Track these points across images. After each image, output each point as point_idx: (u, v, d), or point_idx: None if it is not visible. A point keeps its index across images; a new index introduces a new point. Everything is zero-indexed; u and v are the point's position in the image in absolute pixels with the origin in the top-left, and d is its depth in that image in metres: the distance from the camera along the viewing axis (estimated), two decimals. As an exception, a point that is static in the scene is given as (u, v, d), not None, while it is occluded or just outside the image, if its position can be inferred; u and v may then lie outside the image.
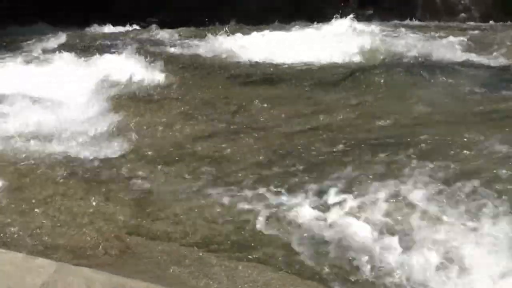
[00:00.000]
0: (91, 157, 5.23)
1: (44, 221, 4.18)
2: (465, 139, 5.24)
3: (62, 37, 11.61)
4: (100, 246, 3.91)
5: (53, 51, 9.73)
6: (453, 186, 4.32)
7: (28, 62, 8.96)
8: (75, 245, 3.91)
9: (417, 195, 4.23)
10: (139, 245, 3.94)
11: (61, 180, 4.79)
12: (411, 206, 4.12)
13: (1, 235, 4.04)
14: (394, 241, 3.75)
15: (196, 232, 4.03)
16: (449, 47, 9.21)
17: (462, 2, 13.80)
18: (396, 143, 5.30)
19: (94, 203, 4.45)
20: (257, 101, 6.76)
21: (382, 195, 4.28)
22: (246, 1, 13.86)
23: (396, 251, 3.67)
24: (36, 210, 4.34)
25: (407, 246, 3.70)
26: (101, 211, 4.34)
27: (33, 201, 4.46)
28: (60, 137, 5.70)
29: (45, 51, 9.88)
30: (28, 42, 10.78)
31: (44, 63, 8.80)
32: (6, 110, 6.37)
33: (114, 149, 5.43)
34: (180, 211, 4.29)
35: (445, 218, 3.95)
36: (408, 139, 5.35)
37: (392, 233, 3.85)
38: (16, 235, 4.02)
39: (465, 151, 4.98)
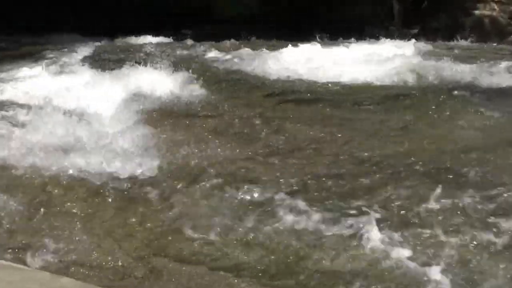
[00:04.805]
0: (118, 174, 5.23)
1: (68, 239, 4.20)
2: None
3: (91, 48, 11.77)
4: (125, 267, 3.91)
5: (82, 61, 9.87)
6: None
7: (56, 72, 9.08)
8: (100, 265, 3.92)
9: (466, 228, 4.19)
10: (165, 267, 3.93)
11: (87, 197, 4.82)
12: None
13: (25, 252, 4.06)
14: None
15: (227, 256, 4.01)
16: (497, 71, 9.10)
17: (513, 23, 13.70)
18: (441, 169, 5.26)
19: (120, 222, 4.47)
20: (295, 121, 6.76)
21: (424, 225, 4.26)
22: (287, 16, 13.95)
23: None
24: (61, 227, 4.36)
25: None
26: (127, 230, 4.36)
27: (57, 217, 4.48)
28: (87, 151, 5.72)
29: (74, 61, 10.01)
30: (58, 52, 10.93)
31: (72, 74, 8.91)
32: (33, 121, 6.42)
33: (143, 166, 5.43)
34: (210, 234, 4.27)
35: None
36: (453, 166, 5.31)
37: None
38: (40, 253, 4.05)
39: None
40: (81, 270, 3.86)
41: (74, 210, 4.59)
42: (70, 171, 5.16)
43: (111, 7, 14.81)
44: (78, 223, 4.41)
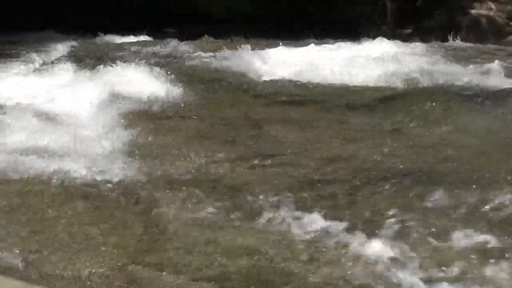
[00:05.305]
0: (97, 178, 5.19)
1: (44, 247, 4.15)
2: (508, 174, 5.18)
3: (70, 46, 11.71)
4: (103, 277, 3.87)
5: (60, 60, 9.81)
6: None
7: (32, 72, 9.04)
8: (76, 274, 3.87)
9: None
10: (146, 277, 3.87)
11: (64, 203, 4.78)
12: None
13: None
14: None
15: (210, 265, 3.96)
16: (494, 73, 9.12)
17: (511, 23, 13.71)
18: (432, 174, 5.26)
19: (98, 229, 4.42)
20: (281, 123, 6.76)
21: (419, 230, 4.26)
22: (274, 15, 13.98)
23: None
24: (37, 234, 4.31)
25: None
26: (105, 238, 4.30)
27: (33, 224, 4.44)
28: (65, 154, 5.69)
29: (51, 60, 9.96)
30: (34, 50, 10.86)
31: (49, 73, 8.87)
32: (8, 123, 6.38)
33: (123, 171, 5.40)
34: (193, 242, 4.22)
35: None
36: (446, 170, 5.32)
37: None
38: (14, 261, 3.99)
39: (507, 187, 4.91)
40: (57, 279, 3.82)
41: (50, 217, 4.55)
42: (46, 176, 5.13)
43: (111, 7, 14.76)
44: (54, 230, 4.37)
